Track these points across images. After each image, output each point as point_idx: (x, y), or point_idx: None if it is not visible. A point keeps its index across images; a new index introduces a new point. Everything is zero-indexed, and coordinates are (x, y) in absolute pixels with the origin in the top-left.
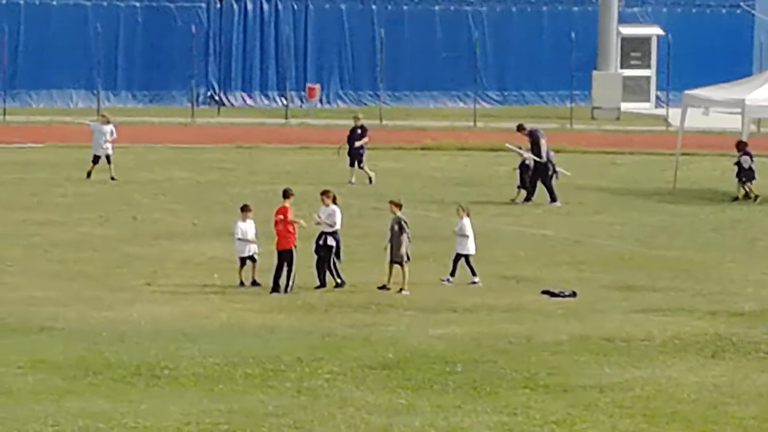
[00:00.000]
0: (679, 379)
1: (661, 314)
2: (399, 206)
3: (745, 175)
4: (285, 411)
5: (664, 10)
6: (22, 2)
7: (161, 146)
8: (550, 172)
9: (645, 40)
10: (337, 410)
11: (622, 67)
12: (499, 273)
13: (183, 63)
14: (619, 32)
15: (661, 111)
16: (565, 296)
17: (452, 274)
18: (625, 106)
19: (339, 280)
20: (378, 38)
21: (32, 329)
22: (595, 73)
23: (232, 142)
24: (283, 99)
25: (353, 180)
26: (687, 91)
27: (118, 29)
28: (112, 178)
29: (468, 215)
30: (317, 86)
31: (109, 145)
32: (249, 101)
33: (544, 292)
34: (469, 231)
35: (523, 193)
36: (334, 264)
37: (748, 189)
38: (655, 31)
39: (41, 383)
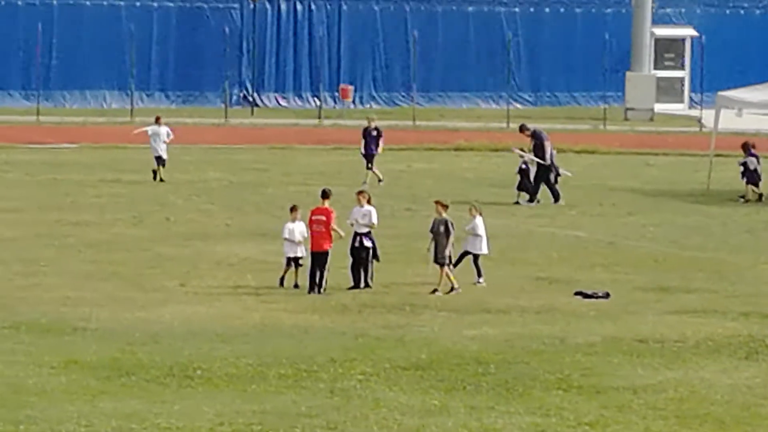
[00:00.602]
0: (712, 381)
1: (695, 316)
2: (446, 207)
3: (749, 176)
4: (318, 412)
5: (698, 11)
6: (55, 3)
7: (195, 147)
8: (553, 174)
9: (678, 42)
10: (370, 411)
11: (655, 68)
12: (532, 274)
13: (216, 64)
14: (652, 33)
15: (695, 112)
16: (598, 297)
17: (478, 274)
18: (659, 108)
19: (369, 282)
20: (411, 39)
21: (66, 330)
22: (628, 74)
23: (266, 143)
24: (316, 100)
25: (367, 181)
26: (720, 93)
27: (151, 30)
28: (161, 180)
29: (480, 214)
30: (350, 87)
31: (165, 147)
32: (282, 102)
33: (577, 294)
34: (481, 230)
35: (524, 195)
36: (371, 265)
37: (752, 190)
38: (689, 32)
39: (74, 383)
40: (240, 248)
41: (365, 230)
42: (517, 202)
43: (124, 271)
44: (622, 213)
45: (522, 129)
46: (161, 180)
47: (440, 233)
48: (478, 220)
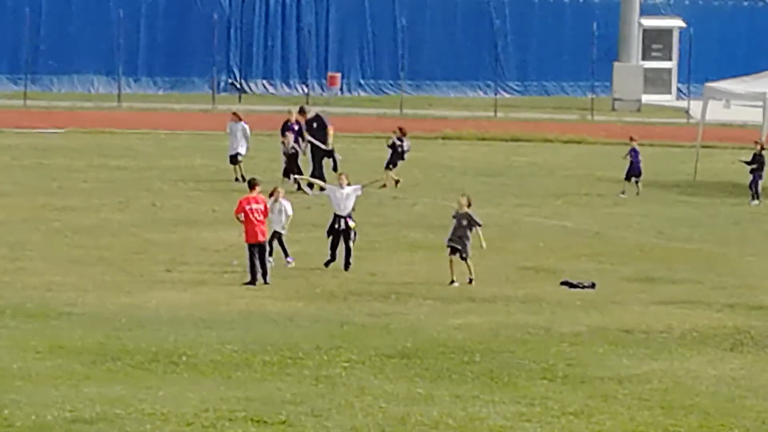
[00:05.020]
0: (697, 372)
1: (681, 306)
2: (468, 204)
3: (393, 161)
4: (303, 399)
5: (686, 2)
6: None
7: (182, 133)
8: (331, 161)
9: (666, 32)
10: (354, 399)
11: (643, 58)
12: (518, 264)
13: (204, 50)
14: (640, 24)
15: (682, 103)
16: (584, 287)
17: (286, 254)
18: (646, 98)
19: (350, 263)
20: (399, 27)
21: (51, 315)
22: (616, 64)
23: (253, 130)
24: (304, 87)
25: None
26: (708, 84)
27: (139, 15)
28: (238, 179)
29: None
30: (338, 74)
31: (244, 142)
32: (270, 89)
33: (563, 283)
34: (290, 211)
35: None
36: (352, 244)
37: (391, 177)
38: (677, 23)
39: (60, 368)
40: (226, 234)
41: (346, 212)
42: (300, 189)
43: (111, 257)
44: (608, 203)
45: (301, 111)
46: (243, 178)
47: (463, 226)
48: (286, 203)
